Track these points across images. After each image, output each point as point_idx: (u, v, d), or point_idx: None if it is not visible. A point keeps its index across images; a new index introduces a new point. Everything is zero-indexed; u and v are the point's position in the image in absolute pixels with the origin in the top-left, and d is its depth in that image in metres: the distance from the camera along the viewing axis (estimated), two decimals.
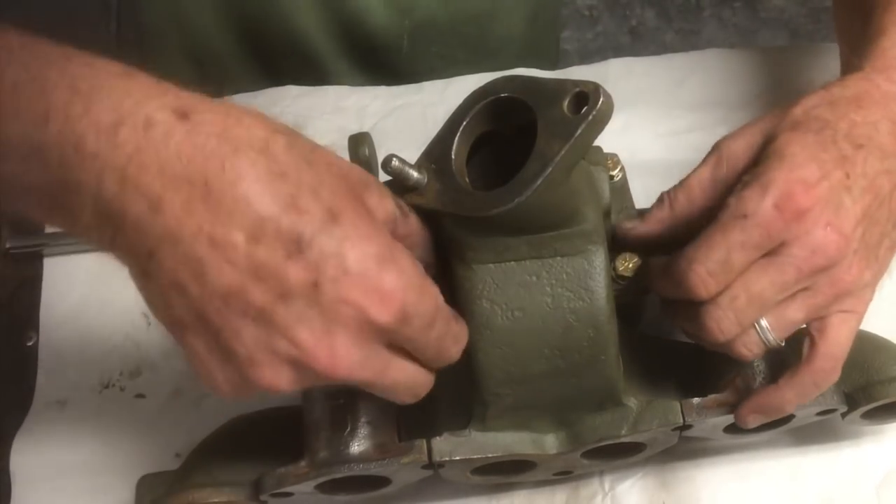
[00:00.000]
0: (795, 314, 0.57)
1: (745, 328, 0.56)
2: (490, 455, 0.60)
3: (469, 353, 0.57)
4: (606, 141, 0.55)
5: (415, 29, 0.93)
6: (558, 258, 0.56)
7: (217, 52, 0.97)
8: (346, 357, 0.46)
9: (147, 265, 0.45)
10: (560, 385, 0.58)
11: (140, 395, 0.75)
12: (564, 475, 0.67)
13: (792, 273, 0.55)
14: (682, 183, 0.60)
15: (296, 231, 0.44)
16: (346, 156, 0.60)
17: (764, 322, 0.56)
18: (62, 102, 0.43)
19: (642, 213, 0.65)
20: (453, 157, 0.54)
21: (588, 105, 0.50)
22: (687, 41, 2.04)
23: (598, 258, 0.56)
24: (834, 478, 0.69)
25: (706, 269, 0.55)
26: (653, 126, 0.83)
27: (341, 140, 0.68)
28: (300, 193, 0.45)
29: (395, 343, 0.49)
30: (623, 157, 0.65)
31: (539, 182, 0.50)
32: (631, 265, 0.62)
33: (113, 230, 0.45)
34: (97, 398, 0.75)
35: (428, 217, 0.56)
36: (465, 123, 0.54)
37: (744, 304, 0.55)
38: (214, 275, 0.44)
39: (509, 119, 0.54)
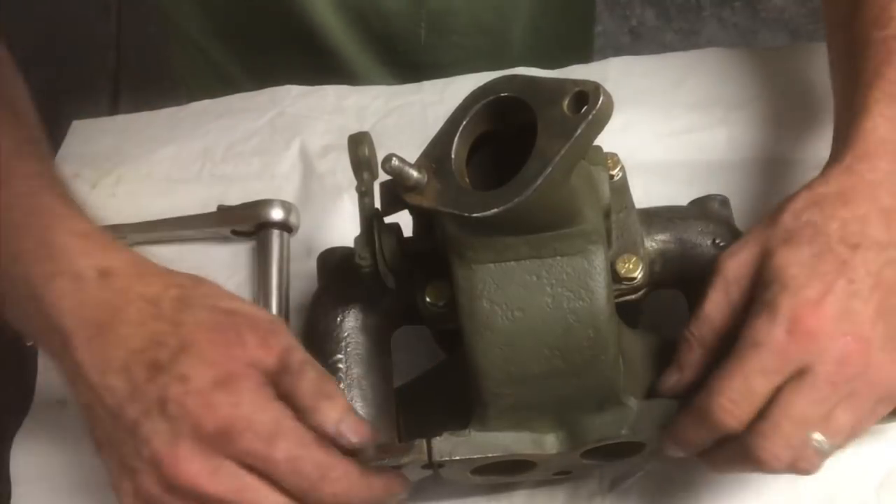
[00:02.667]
0: (844, 419, 0.56)
1: (799, 449, 0.56)
2: (490, 455, 0.60)
3: (469, 354, 0.57)
4: (606, 141, 0.55)
5: (431, 17, 0.93)
6: (558, 258, 0.56)
7: (243, 48, 0.98)
8: (189, 465, 0.53)
9: (73, 389, 0.58)
10: (560, 385, 0.58)
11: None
12: (564, 475, 0.67)
13: (826, 388, 0.55)
14: (699, 315, 0.59)
15: (155, 360, 0.54)
16: (345, 156, 0.60)
17: (817, 436, 0.55)
18: (28, 249, 0.57)
19: (643, 214, 0.65)
20: (453, 157, 0.54)
21: (588, 105, 0.50)
22: (687, 41, 2.04)
23: (598, 258, 0.56)
24: (834, 478, 0.69)
25: (728, 398, 0.55)
26: (653, 126, 0.83)
27: (341, 140, 0.68)
28: (168, 331, 0.55)
29: (247, 463, 0.54)
30: (623, 157, 0.65)
31: (539, 182, 0.50)
32: (631, 265, 0.62)
33: (54, 350, 0.58)
34: None
35: (428, 217, 0.56)
36: (465, 123, 0.54)
37: (789, 429, 0.55)
38: (105, 397, 0.55)
39: (509, 119, 0.54)
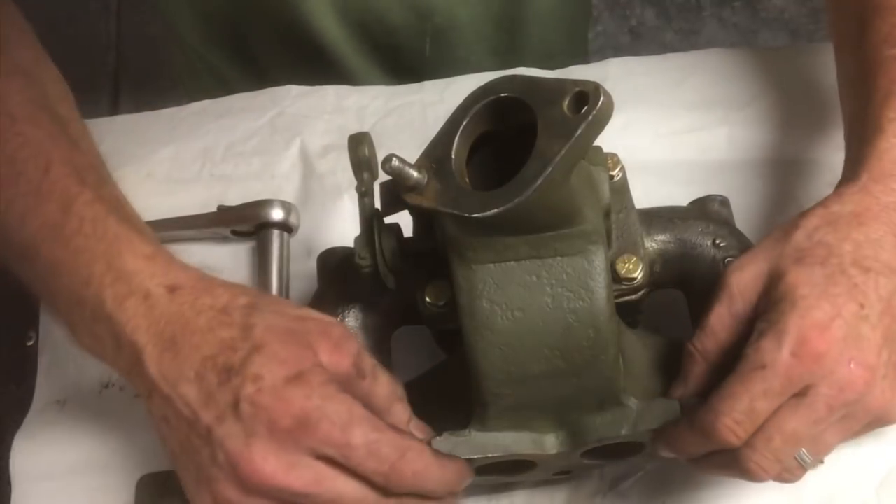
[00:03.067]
0: (832, 439, 0.57)
1: (786, 463, 0.57)
2: (490, 455, 0.60)
3: (469, 354, 0.57)
4: (606, 141, 0.55)
5: (436, 31, 0.93)
6: (558, 258, 0.56)
7: (243, 55, 0.98)
8: (265, 463, 0.53)
9: (148, 403, 0.59)
10: (560, 385, 0.58)
11: (140, 395, 0.74)
12: (564, 475, 0.67)
13: (823, 411, 0.55)
14: (704, 329, 0.60)
15: (227, 364, 0.55)
16: (345, 155, 0.60)
17: (802, 452, 0.57)
18: (99, 273, 0.59)
19: (643, 214, 0.65)
20: (453, 157, 0.54)
21: (588, 105, 0.50)
22: (687, 41, 2.04)
23: (598, 258, 0.56)
24: (834, 478, 0.69)
25: (733, 419, 0.55)
26: (653, 126, 0.83)
27: (341, 140, 0.68)
28: (238, 336, 0.56)
29: (322, 454, 0.54)
30: (623, 157, 0.65)
31: (539, 182, 0.50)
32: (631, 265, 0.62)
33: (127, 368, 0.59)
34: (97, 398, 0.75)
35: (428, 217, 0.56)
36: (465, 123, 0.54)
37: (780, 445, 0.56)
38: (179, 407, 0.56)
39: (509, 119, 0.54)
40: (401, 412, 0.59)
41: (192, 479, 0.57)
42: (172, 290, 0.58)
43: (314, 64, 0.93)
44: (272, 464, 0.53)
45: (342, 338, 0.57)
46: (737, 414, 0.55)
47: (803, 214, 0.60)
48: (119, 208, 0.63)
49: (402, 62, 0.95)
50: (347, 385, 0.56)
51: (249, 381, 0.54)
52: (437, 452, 0.58)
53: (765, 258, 0.59)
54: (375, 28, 0.93)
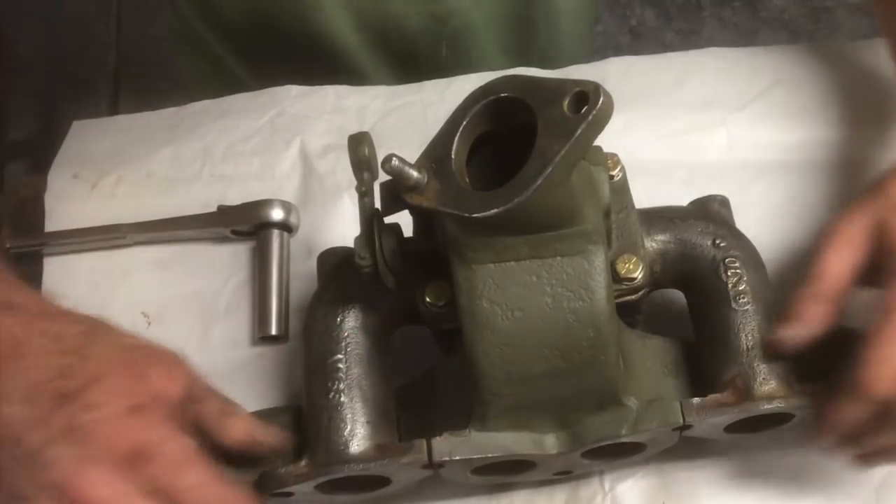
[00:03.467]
0: None
1: None
2: (490, 455, 0.60)
3: (469, 354, 0.57)
4: (606, 141, 0.55)
5: (452, 35, 0.93)
6: (558, 258, 0.56)
7: (256, 60, 0.97)
8: (96, 489, 0.53)
9: None
10: (560, 385, 0.58)
11: None
12: (564, 475, 0.67)
13: None
14: (816, 275, 0.61)
15: (62, 390, 0.55)
16: (345, 156, 0.60)
17: None
18: None
19: (643, 215, 0.65)
20: (453, 157, 0.54)
21: (588, 105, 0.50)
22: (687, 41, 2.04)
23: (598, 258, 0.56)
24: (834, 478, 0.69)
25: (877, 367, 0.57)
26: (653, 126, 0.83)
27: (341, 140, 0.68)
28: (76, 364, 0.56)
29: (152, 490, 0.54)
30: (623, 157, 0.65)
31: (539, 182, 0.50)
32: (631, 265, 0.62)
33: None
34: None
35: (428, 217, 0.56)
36: (464, 123, 0.54)
37: None
38: (1, 427, 0.54)
39: (509, 119, 0.54)
40: (235, 425, 0.60)
41: (3, 500, 0.56)
42: (8, 307, 0.58)
43: (330, 70, 0.93)
44: (103, 491, 0.53)
45: (173, 364, 0.59)
46: (883, 361, 0.56)
47: (891, 171, 0.63)
48: None
49: (419, 67, 0.95)
50: (180, 409, 0.58)
51: (86, 409, 0.54)
52: None
53: (865, 212, 0.61)
54: (393, 35, 0.93)
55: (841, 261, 0.61)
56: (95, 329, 0.59)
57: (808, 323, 0.60)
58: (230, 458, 0.61)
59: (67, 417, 0.54)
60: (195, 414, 0.59)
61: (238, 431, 0.60)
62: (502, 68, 0.88)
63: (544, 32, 0.98)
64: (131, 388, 0.56)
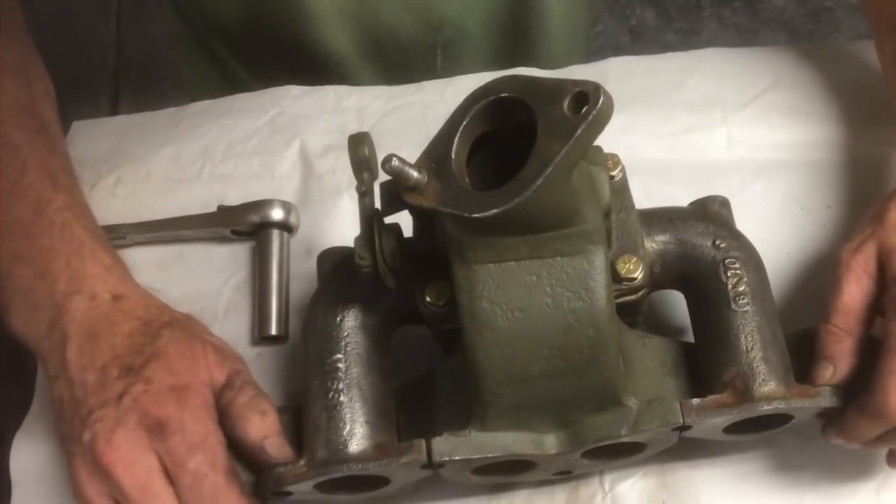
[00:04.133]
0: None
1: None
2: (490, 455, 0.60)
3: (469, 354, 0.57)
4: (606, 141, 0.55)
5: (447, 43, 0.94)
6: (558, 258, 0.56)
7: (255, 63, 0.98)
8: (114, 451, 0.59)
9: (52, 385, 0.66)
10: (560, 385, 0.58)
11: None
12: (564, 475, 0.67)
13: None
14: (839, 309, 0.63)
15: (130, 363, 0.63)
16: (345, 155, 0.60)
17: None
18: (57, 269, 0.67)
19: (643, 215, 0.65)
20: (453, 157, 0.54)
21: (588, 105, 0.50)
22: (687, 41, 2.04)
23: (598, 258, 0.56)
24: (834, 478, 0.69)
25: None
26: (653, 126, 0.83)
27: (341, 140, 0.68)
28: (147, 342, 0.64)
29: (165, 463, 0.60)
30: (623, 157, 0.65)
31: (539, 182, 0.50)
32: (631, 265, 0.62)
33: (48, 351, 0.66)
34: None
35: (428, 217, 0.56)
36: (464, 123, 0.54)
37: None
38: (76, 390, 0.63)
39: (509, 119, 0.54)
40: (259, 422, 0.62)
41: (67, 455, 0.63)
42: (117, 298, 0.67)
43: (325, 77, 0.93)
44: (119, 454, 0.59)
45: (229, 357, 0.66)
46: None
47: (890, 196, 0.66)
48: (84, 217, 0.71)
49: (414, 76, 0.95)
50: (219, 395, 0.63)
51: (141, 382, 0.62)
52: None
53: (871, 239, 0.64)
54: (388, 44, 0.93)
55: (860, 291, 0.63)
56: (176, 321, 0.67)
57: (841, 362, 0.62)
58: (238, 453, 0.62)
59: (123, 386, 0.62)
60: (228, 399, 0.63)
61: (252, 432, 0.62)
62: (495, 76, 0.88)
63: (539, 40, 0.98)
64: (183, 370, 0.63)
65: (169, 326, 0.65)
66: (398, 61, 0.95)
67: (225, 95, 0.89)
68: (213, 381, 0.64)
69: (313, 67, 0.94)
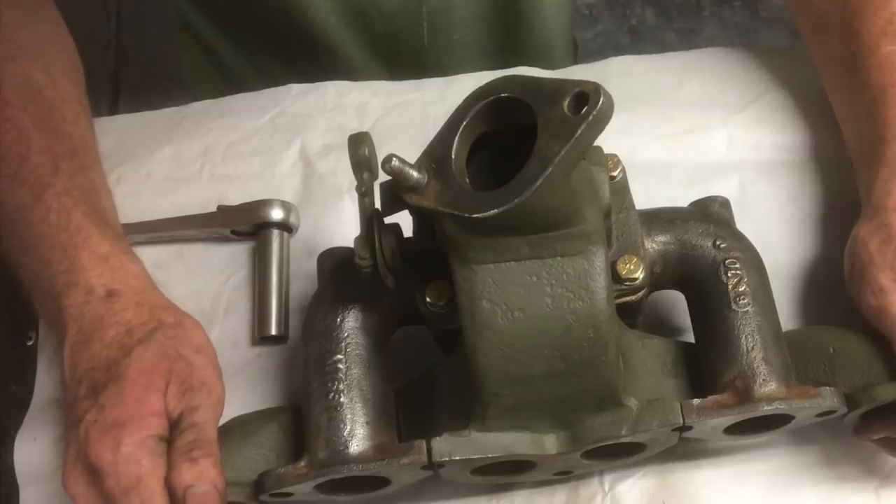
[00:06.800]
0: None
1: None
2: (490, 455, 0.60)
3: (469, 354, 0.57)
4: (606, 141, 0.55)
5: (432, 15, 0.93)
6: (558, 258, 0.56)
7: (243, 46, 0.97)
8: (73, 485, 0.60)
9: (61, 365, 0.66)
10: (560, 385, 0.58)
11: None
12: (564, 475, 0.67)
13: None
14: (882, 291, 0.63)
15: (96, 380, 0.62)
16: (345, 155, 0.60)
17: None
18: (56, 259, 0.67)
19: (644, 216, 0.65)
20: (453, 157, 0.54)
21: (588, 105, 0.50)
22: (687, 41, 2.04)
23: (598, 258, 0.56)
24: (834, 478, 0.69)
25: None
26: (653, 126, 0.83)
27: (341, 139, 0.68)
28: (117, 359, 0.62)
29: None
30: (623, 157, 0.65)
31: (539, 182, 0.50)
32: (632, 266, 0.62)
33: (58, 342, 0.67)
34: None
35: (428, 217, 0.56)
36: (465, 123, 0.54)
37: None
38: (67, 391, 0.64)
39: (509, 119, 0.54)
40: (185, 472, 0.59)
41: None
42: (110, 294, 0.66)
43: (313, 56, 0.93)
44: (77, 489, 0.60)
45: (196, 389, 0.62)
46: None
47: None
48: (87, 200, 0.69)
49: (401, 51, 0.95)
50: (172, 427, 0.61)
51: (95, 409, 0.61)
52: None
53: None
54: (372, 15, 0.93)
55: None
56: (166, 329, 0.65)
57: None
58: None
59: (84, 409, 0.61)
60: (171, 440, 0.61)
61: (174, 479, 0.60)
62: (487, 53, 0.88)
63: (527, 12, 0.97)
64: (130, 398, 0.61)
65: (147, 340, 0.63)
66: (383, 31, 0.95)
67: (222, 92, 0.89)
68: (169, 412, 0.62)
69: (300, 44, 0.93)
